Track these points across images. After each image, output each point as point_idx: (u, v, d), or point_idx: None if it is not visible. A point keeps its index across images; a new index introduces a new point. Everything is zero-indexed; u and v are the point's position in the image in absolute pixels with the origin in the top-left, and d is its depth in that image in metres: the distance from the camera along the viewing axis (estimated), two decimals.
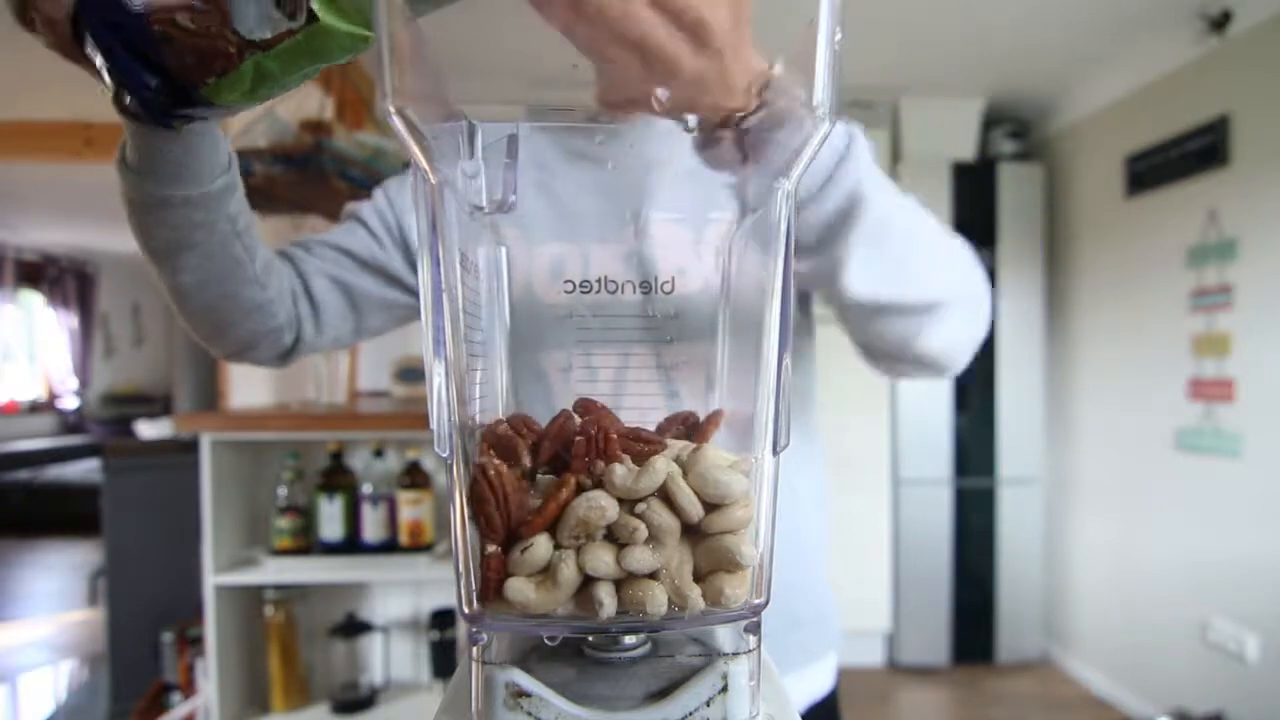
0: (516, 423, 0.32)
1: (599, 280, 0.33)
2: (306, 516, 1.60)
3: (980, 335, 0.62)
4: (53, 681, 2.93)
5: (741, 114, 0.35)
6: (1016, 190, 2.93)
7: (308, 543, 1.60)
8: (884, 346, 0.59)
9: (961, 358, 0.61)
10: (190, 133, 0.47)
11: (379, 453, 1.63)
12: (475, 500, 0.29)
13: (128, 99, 0.42)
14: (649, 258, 0.34)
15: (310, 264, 0.67)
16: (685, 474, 0.30)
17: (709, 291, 0.35)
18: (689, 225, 0.36)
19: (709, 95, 0.36)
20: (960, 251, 0.59)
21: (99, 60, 0.40)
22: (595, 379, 0.34)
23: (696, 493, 0.29)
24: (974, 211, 2.91)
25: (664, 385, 0.35)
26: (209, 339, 0.63)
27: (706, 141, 0.36)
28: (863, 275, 0.52)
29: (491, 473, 0.29)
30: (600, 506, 0.28)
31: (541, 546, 0.29)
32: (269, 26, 0.37)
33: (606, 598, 0.29)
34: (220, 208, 0.52)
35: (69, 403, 6.51)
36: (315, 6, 0.36)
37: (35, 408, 6.32)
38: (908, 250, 0.54)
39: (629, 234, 0.35)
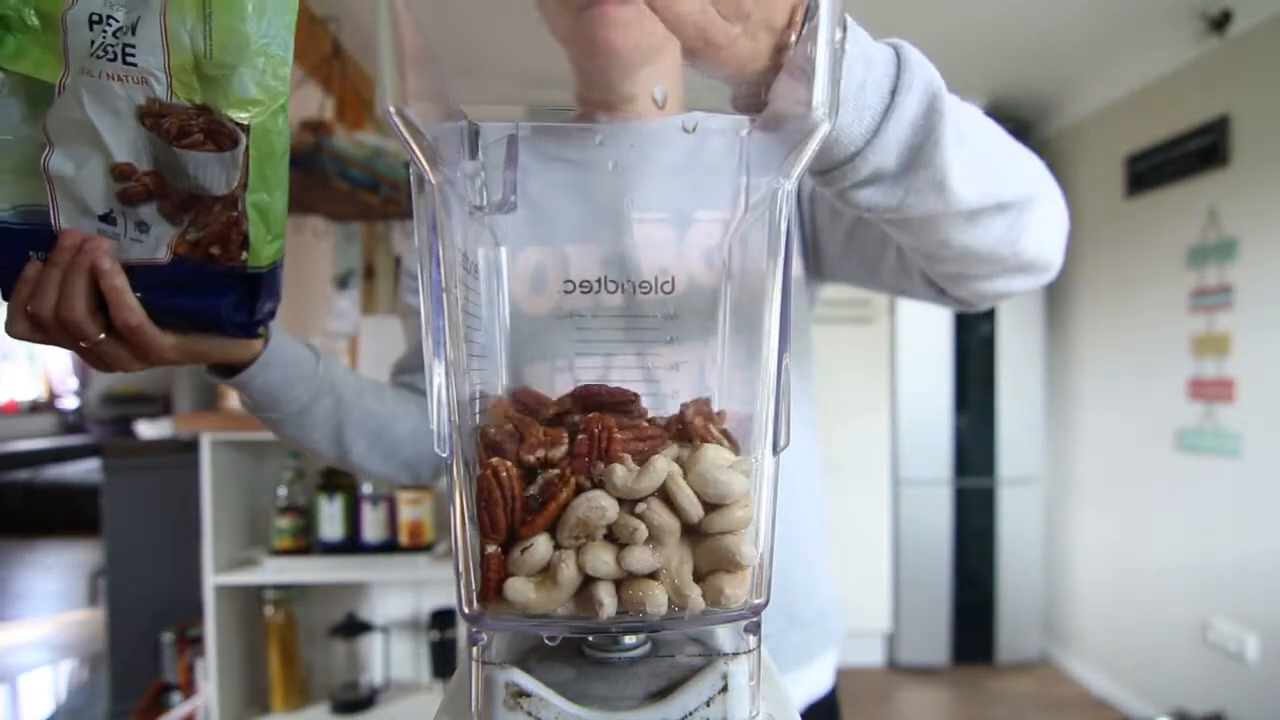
0: (526, 397, 0.33)
1: (599, 280, 0.33)
2: (306, 516, 1.59)
3: (1066, 229, 0.58)
4: (53, 681, 2.92)
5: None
6: None
7: (308, 543, 1.60)
8: (983, 256, 0.53)
9: (1059, 255, 0.58)
10: (267, 362, 0.55)
11: None
12: (484, 500, 0.29)
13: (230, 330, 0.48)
14: (644, 259, 0.34)
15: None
16: (685, 474, 0.30)
17: (709, 292, 0.35)
18: (685, 225, 0.36)
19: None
20: (1020, 144, 0.55)
21: (178, 332, 0.46)
22: (593, 380, 0.34)
23: (696, 493, 0.29)
24: None
25: (663, 385, 0.35)
26: (414, 478, 0.71)
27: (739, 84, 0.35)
28: (966, 177, 0.47)
29: (504, 474, 0.29)
30: (600, 506, 0.28)
31: (541, 546, 0.29)
32: (234, 168, 0.42)
33: (606, 598, 0.29)
34: (325, 396, 0.61)
35: (69, 403, 6.50)
36: (233, 116, 0.41)
37: (35, 408, 6.31)
38: (991, 144, 0.50)
39: (622, 235, 0.35)
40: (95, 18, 0.40)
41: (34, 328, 0.44)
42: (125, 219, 0.43)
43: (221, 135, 0.42)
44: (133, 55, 0.40)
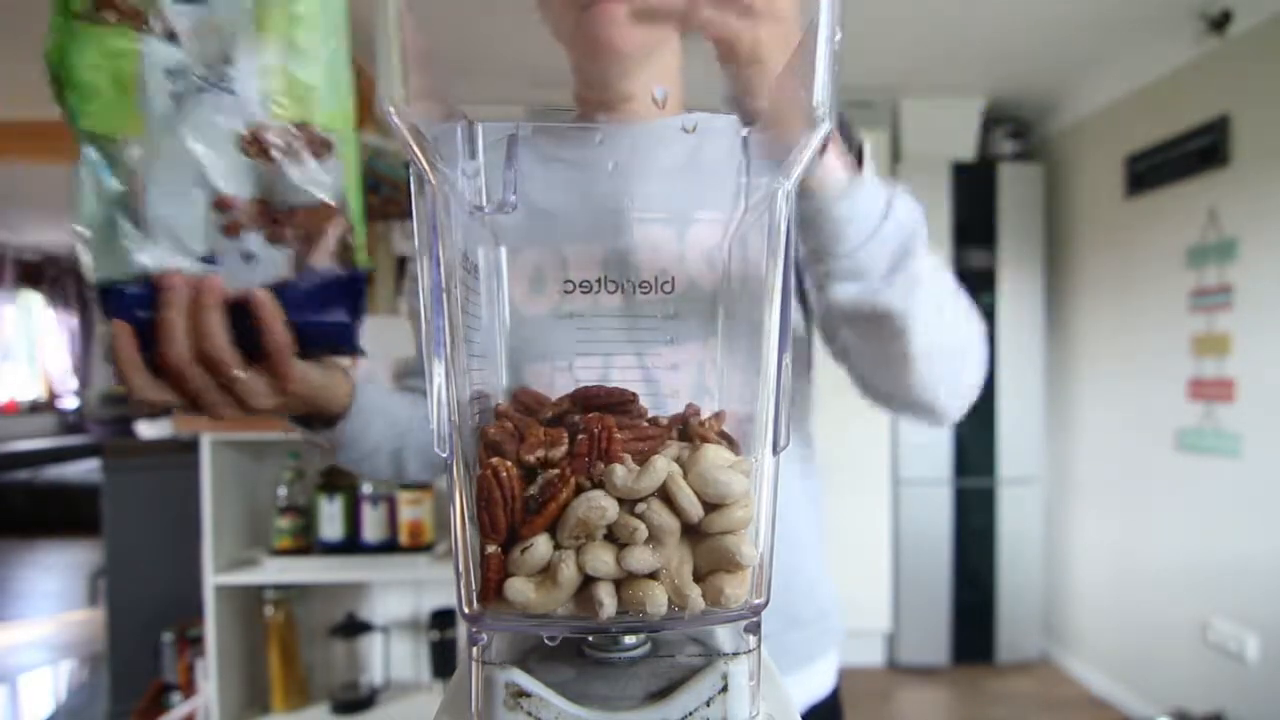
0: (526, 397, 0.32)
1: (598, 280, 0.33)
2: (306, 516, 1.60)
3: (976, 391, 0.65)
4: (53, 681, 2.92)
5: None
6: (1016, 190, 2.92)
7: (308, 543, 1.60)
8: (910, 384, 0.59)
9: (960, 410, 0.64)
10: (354, 412, 0.58)
11: None
12: (484, 500, 0.29)
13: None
14: (644, 259, 0.34)
15: None
16: (685, 474, 0.30)
17: (709, 292, 0.35)
18: (685, 225, 0.36)
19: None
20: (968, 304, 0.62)
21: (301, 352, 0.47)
22: (593, 380, 0.34)
23: (696, 493, 0.29)
24: (974, 212, 2.91)
25: (663, 385, 0.35)
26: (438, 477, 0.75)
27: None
28: (930, 300, 0.52)
29: (504, 474, 0.29)
30: (600, 506, 0.28)
31: (541, 546, 0.29)
32: (339, 176, 0.44)
33: (606, 598, 0.29)
34: (393, 426, 0.63)
35: (69, 403, 6.50)
36: (327, 126, 0.43)
37: (35, 408, 6.31)
38: (943, 293, 0.55)
39: (622, 235, 0.35)
40: (175, 68, 0.42)
41: (157, 385, 0.44)
42: (228, 254, 0.43)
43: (319, 145, 0.44)
44: (230, 85, 0.42)
